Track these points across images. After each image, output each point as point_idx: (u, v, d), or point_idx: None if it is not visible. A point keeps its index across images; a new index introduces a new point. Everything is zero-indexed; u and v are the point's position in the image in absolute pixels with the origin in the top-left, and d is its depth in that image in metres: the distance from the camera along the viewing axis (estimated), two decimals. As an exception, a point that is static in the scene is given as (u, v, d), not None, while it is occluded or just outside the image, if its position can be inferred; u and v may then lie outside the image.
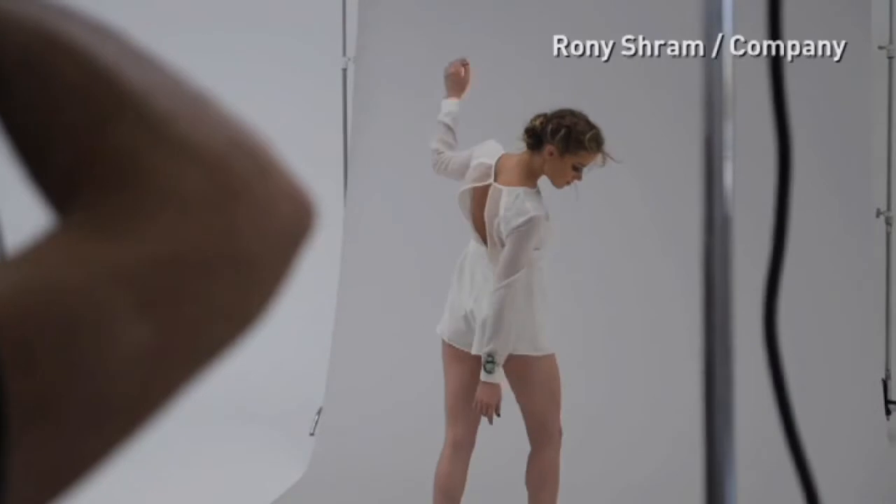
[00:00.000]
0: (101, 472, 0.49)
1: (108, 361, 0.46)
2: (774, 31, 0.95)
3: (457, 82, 3.89)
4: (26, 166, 0.50)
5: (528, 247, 3.54)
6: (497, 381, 3.55)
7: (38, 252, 0.47)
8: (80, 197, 0.49)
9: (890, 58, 5.75)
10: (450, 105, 3.90)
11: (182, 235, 0.48)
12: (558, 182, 3.64)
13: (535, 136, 3.65)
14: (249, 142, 0.52)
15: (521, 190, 3.59)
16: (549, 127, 3.60)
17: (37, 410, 0.44)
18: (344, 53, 5.99)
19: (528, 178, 3.64)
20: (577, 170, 3.61)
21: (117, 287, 0.47)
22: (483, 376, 3.55)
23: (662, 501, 4.57)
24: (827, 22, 5.15)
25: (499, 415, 3.59)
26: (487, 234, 3.66)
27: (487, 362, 3.52)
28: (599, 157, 3.61)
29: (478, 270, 3.71)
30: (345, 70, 5.98)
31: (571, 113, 3.63)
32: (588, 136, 3.56)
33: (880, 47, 5.71)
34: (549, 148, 3.60)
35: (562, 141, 3.57)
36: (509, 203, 3.58)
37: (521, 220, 3.52)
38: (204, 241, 0.49)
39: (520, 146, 3.70)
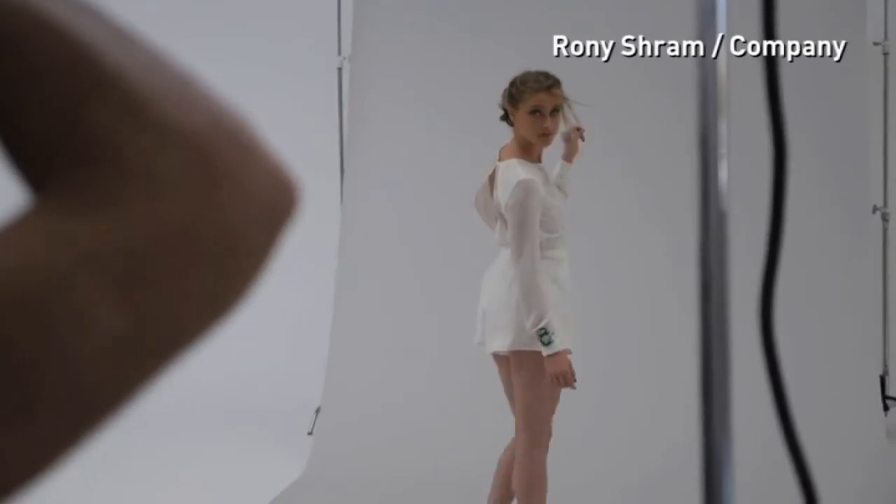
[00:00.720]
0: (77, 458, 0.48)
1: (83, 345, 0.45)
2: (769, 30, 0.96)
3: (569, 148, 3.83)
4: (3, 145, 0.49)
5: (528, 212, 3.48)
6: (558, 349, 3.44)
7: (11, 232, 0.46)
8: (57, 177, 0.48)
9: (885, 54, 5.75)
10: (560, 168, 3.87)
11: (161, 218, 0.48)
12: (534, 137, 3.60)
13: (504, 111, 3.69)
14: (232, 123, 0.52)
15: (513, 160, 3.60)
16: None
17: (7, 394, 0.44)
18: (339, 53, 5.99)
19: (521, 151, 3.63)
20: (539, 114, 3.57)
21: (93, 270, 0.46)
22: (543, 351, 3.46)
23: (661, 501, 4.57)
24: (822, 18, 5.15)
25: (575, 379, 3.50)
26: (499, 218, 3.66)
27: (542, 335, 3.44)
28: (556, 99, 3.58)
29: (496, 265, 3.72)
30: (340, 69, 5.98)
31: (523, 73, 3.67)
32: (531, 78, 3.59)
33: (875, 43, 5.71)
34: (510, 111, 3.63)
35: (508, 95, 3.62)
36: (502, 176, 3.59)
37: (511, 186, 3.51)
38: (184, 224, 0.48)
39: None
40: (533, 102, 3.57)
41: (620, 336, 5.37)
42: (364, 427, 5.22)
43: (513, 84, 3.64)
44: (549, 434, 3.71)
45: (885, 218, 5.72)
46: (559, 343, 3.44)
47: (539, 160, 3.67)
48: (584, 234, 5.29)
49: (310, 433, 5.53)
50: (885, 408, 5.42)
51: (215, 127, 0.51)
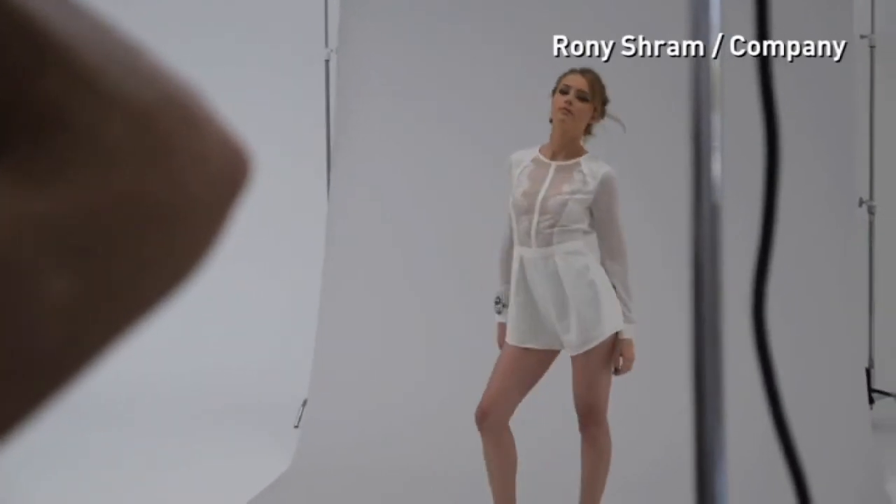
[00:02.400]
0: (25, 431, 0.48)
1: (31, 314, 0.45)
2: (763, 30, 0.95)
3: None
4: None
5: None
6: (500, 321, 3.89)
7: None
8: (7, 148, 0.48)
9: (872, 47, 5.77)
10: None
11: (112, 186, 0.48)
12: (554, 113, 3.70)
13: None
14: (181, 93, 0.52)
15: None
16: None
17: None
18: (326, 45, 5.97)
19: (548, 143, 3.76)
20: (565, 93, 3.68)
21: (42, 238, 0.46)
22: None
23: (657, 499, 4.56)
24: (809, 11, 5.16)
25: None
26: None
27: (495, 303, 3.89)
28: (585, 83, 3.68)
29: None
30: (327, 61, 5.96)
31: None
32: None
33: (862, 36, 5.73)
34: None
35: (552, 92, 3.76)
36: None
37: None
38: (135, 193, 0.48)
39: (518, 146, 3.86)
40: (562, 82, 3.71)
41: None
42: (351, 420, 5.22)
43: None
44: (481, 412, 3.76)
45: (871, 211, 5.74)
46: (502, 317, 3.82)
47: (555, 156, 3.70)
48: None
49: (296, 426, 5.53)
50: (871, 400, 5.45)
51: (165, 97, 0.51)
